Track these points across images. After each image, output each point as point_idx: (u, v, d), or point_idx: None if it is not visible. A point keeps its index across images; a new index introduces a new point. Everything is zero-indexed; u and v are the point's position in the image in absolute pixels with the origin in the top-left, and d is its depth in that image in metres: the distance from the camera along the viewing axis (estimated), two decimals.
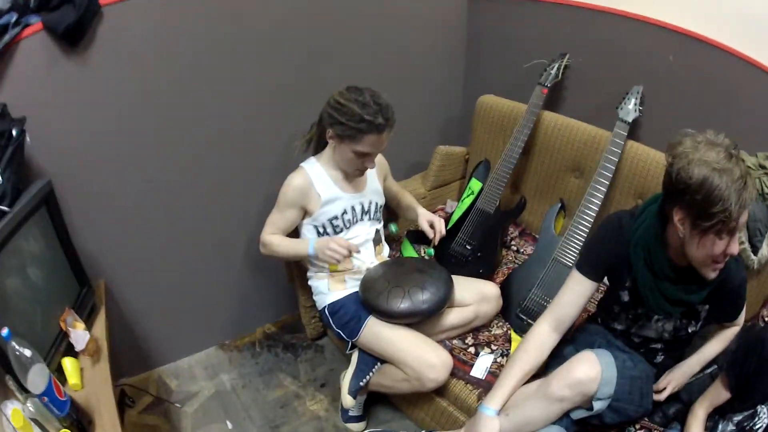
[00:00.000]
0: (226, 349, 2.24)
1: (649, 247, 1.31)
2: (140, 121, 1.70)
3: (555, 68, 1.98)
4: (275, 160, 1.99)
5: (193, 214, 1.95)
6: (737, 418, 1.34)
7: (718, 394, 1.38)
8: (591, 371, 1.31)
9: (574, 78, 2.06)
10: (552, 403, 1.35)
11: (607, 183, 1.77)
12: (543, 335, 1.45)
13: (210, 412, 1.99)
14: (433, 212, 2.38)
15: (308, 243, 1.72)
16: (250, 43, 1.81)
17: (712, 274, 1.24)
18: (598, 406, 1.33)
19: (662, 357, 1.49)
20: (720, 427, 1.38)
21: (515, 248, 2.18)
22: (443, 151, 2.30)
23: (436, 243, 1.86)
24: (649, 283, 1.34)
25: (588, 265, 1.43)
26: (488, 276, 2.00)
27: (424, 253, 2.12)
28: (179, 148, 1.82)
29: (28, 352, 1.12)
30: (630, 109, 1.79)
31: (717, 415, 1.40)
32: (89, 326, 1.56)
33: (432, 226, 1.87)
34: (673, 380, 1.48)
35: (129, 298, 1.95)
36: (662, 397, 1.47)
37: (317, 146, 1.80)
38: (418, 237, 1.98)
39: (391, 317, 1.67)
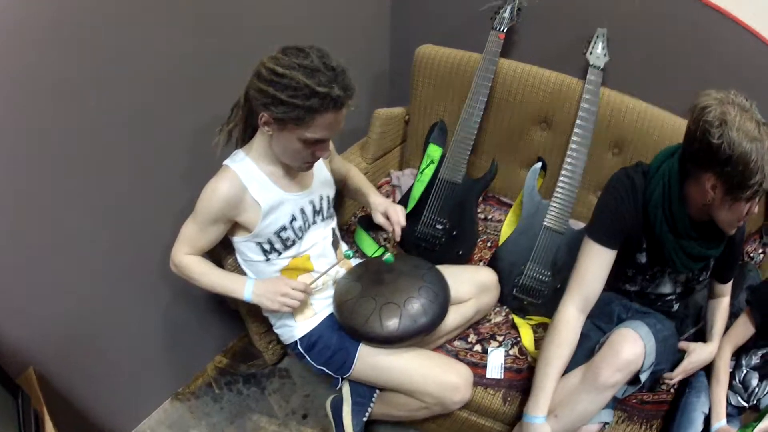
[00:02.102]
0: (182, 399, 1.85)
1: (671, 208, 1.25)
2: None
3: (508, 11, 1.72)
4: (188, 163, 1.51)
5: (91, 253, 1.41)
6: (762, 351, 1.39)
7: (744, 331, 1.41)
8: (636, 348, 1.24)
9: (529, 22, 1.81)
10: (604, 391, 1.28)
11: (590, 136, 1.60)
12: (572, 322, 1.34)
13: None
14: (378, 187, 2.10)
15: (244, 285, 1.34)
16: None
17: (733, 231, 1.26)
18: (644, 377, 1.29)
19: (677, 306, 1.47)
20: (744, 362, 1.41)
21: (483, 216, 1.97)
22: (383, 114, 1.96)
23: (398, 238, 1.52)
24: (672, 245, 1.29)
25: (605, 233, 1.33)
26: (469, 257, 1.78)
27: (384, 241, 1.84)
28: (56, 169, 1.25)
29: None
30: (600, 53, 1.64)
31: (738, 351, 1.44)
32: None
33: (388, 217, 1.51)
34: (688, 367, 1.43)
35: (63, 375, 1.47)
36: (674, 381, 1.45)
37: (243, 136, 1.35)
38: (374, 222, 1.60)
39: (390, 342, 1.37)
